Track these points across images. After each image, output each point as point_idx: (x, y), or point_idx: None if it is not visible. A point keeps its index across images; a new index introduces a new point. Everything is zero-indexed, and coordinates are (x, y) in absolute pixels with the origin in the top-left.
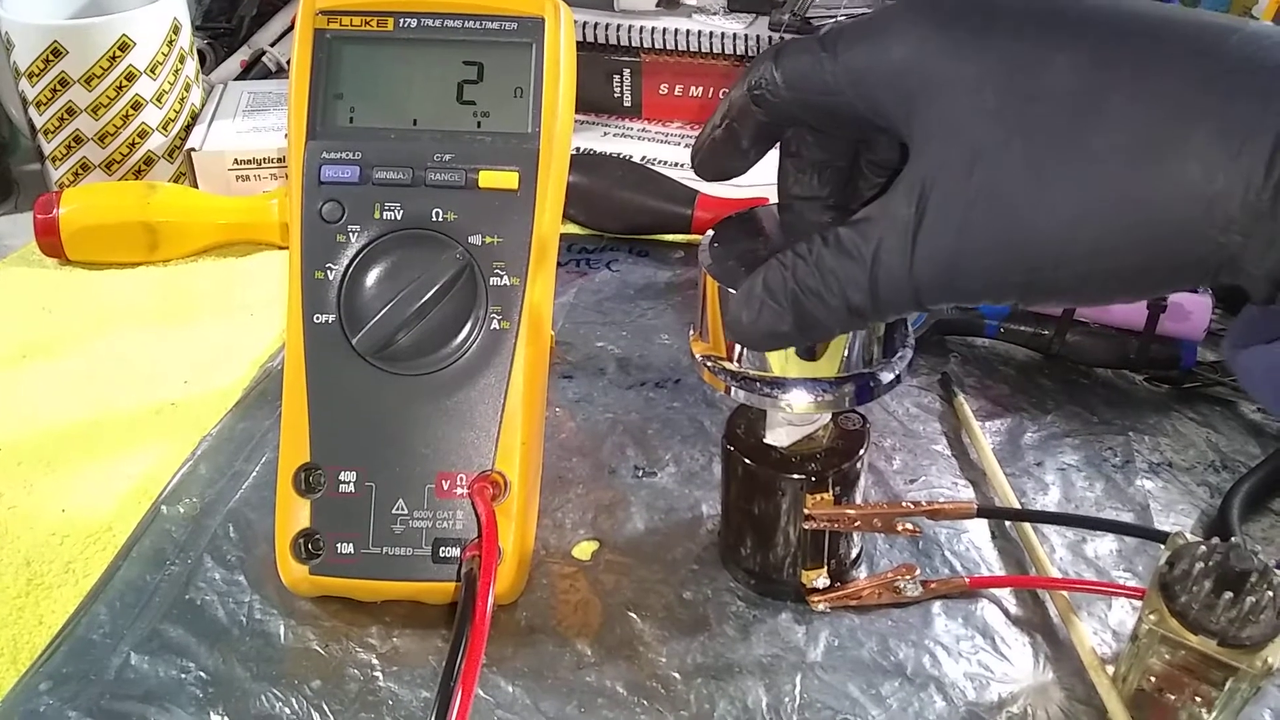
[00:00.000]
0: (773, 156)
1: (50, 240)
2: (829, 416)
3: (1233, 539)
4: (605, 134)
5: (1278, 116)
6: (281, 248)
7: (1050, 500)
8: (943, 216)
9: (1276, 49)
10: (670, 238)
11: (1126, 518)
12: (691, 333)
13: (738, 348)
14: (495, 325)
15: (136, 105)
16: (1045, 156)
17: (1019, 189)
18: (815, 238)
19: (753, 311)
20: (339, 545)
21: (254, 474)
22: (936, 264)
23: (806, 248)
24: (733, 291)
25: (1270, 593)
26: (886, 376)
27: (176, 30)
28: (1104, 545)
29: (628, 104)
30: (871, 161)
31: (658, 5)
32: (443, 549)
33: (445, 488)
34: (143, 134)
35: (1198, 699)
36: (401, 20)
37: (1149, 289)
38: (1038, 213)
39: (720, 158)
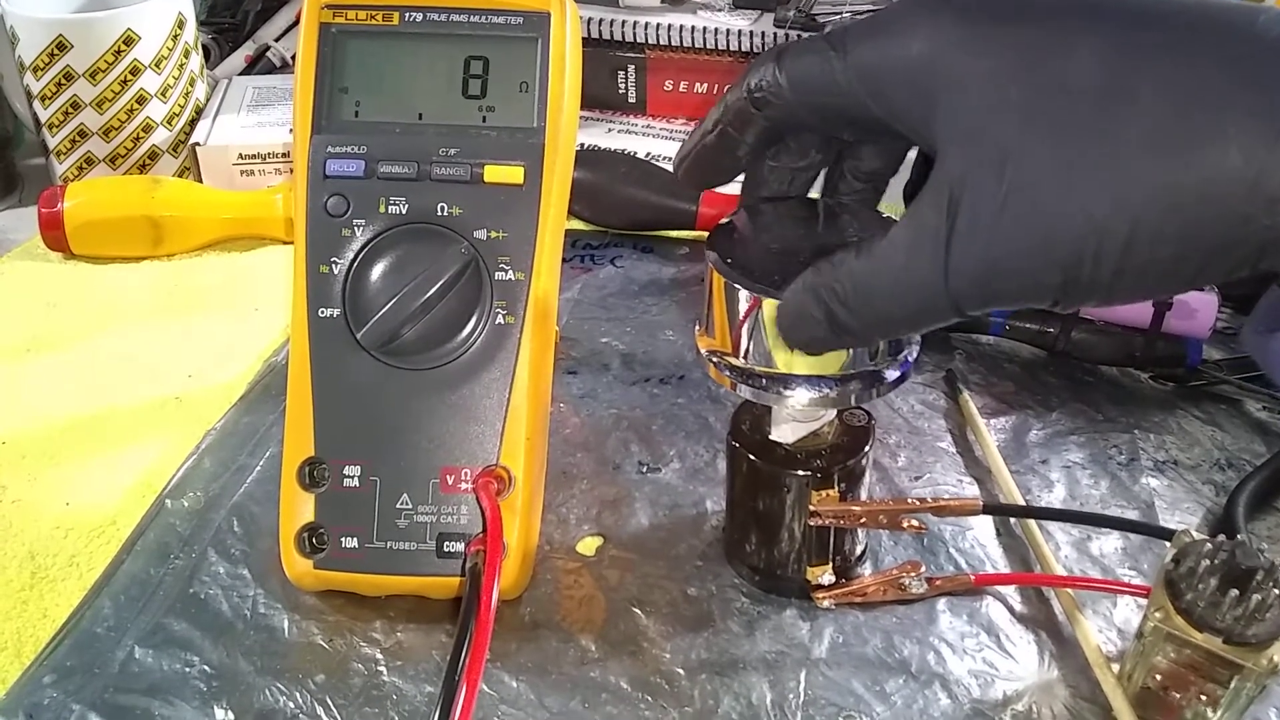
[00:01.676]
0: None
1: (55, 234)
2: (834, 413)
3: (1239, 537)
4: (610, 130)
5: None
6: (286, 242)
7: (1055, 498)
8: (974, 222)
9: None
10: (675, 234)
11: (1131, 516)
12: (697, 328)
13: (744, 343)
14: (500, 320)
15: (141, 100)
16: (1075, 151)
17: (1050, 187)
18: (850, 249)
19: (791, 317)
20: (343, 539)
21: (258, 468)
22: (972, 271)
23: (841, 258)
24: (739, 288)
25: (1276, 590)
26: (892, 374)
27: (181, 25)
28: (1109, 543)
29: (632, 100)
30: (856, 169)
31: (663, 1)
32: (447, 544)
33: (450, 482)
34: (147, 128)
35: (1203, 697)
36: (407, 14)
37: (1188, 280)
38: (1071, 209)
39: (710, 165)
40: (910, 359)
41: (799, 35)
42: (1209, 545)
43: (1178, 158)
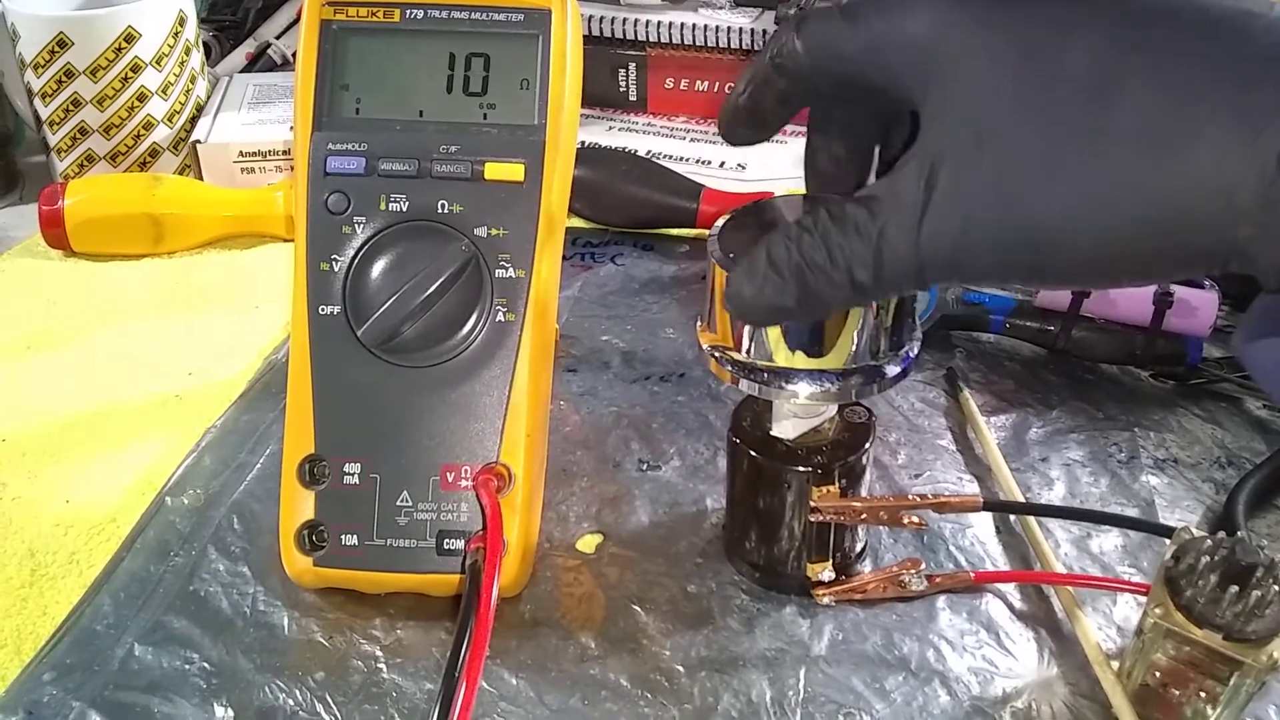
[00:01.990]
0: (768, 148)
1: (55, 232)
2: (835, 409)
3: (1238, 533)
4: (610, 128)
5: None
6: (286, 240)
7: (1055, 496)
8: (951, 196)
9: None
10: (675, 232)
11: (1131, 513)
12: (699, 324)
13: (745, 339)
14: (500, 317)
15: (142, 97)
16: (1059, 140)
17: (1031, 172)
18: (820, 211)
19: (755, 285)
20: (343, 537)
21: (258, 466)
22: (943, 243)
23: (812, 221)
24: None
25: (1276, 587)
26: (893, 369)
27: (182, 22)
28: (1109, 541)
29: (633, 98)
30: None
31: None
32: (447, 541)
33: (450, 480)
34: (148, 126)
35: (1202, 694)
36: (408, 11)
37: (1157, 276)
38: (1049, 197)
39: (744, 126)
40: (912, 355)
41: None
42: (1209, 542)
43: (1159, 158)
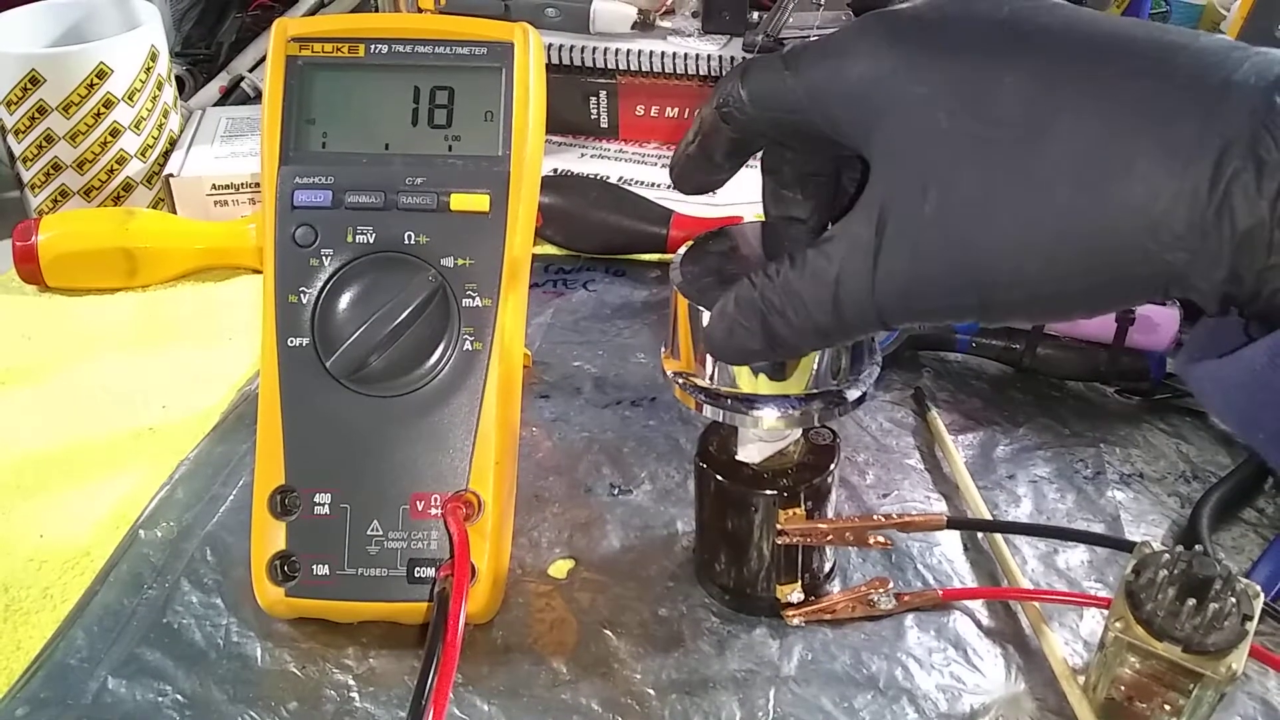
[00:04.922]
0: (749, 174)
1: (29, 267)
2: (799, 432)
3: (1196, 547)
4: (582, 155)
5: (1219, 135)
6: (259, 272)
7: (1022, 512)
8: (899, 239)
9: (1221, 65)
10: (646, 257)
11: (1098, 529)
12: (664, 350)
13: (709, 365)
14: (468, 346)
15: (115, 132)
16: (995, 179)
17: (970, 212)
18: (783, 259)
19: (724, 330)
20: (314, 567)
21: (231, 497)
22: (896, 286)
23: (775, 269)
24: (703, 309)
25: (1234, 599)
26: (854, 393)
27: (154, 57)
28: (1075, 556)
29: (604, 125)
30: (853, 179)
31: (633, 28)
32: (418, 569)
33: (420, 508)
34: (121, 160)
35: (1166, 707)
36: (372, 46)
37: (1100, 306)
38: (988, 236)
39: (696, 173)
40: (872, 378)
41: None
42: (1167, 556)
43: (1092, 192)
